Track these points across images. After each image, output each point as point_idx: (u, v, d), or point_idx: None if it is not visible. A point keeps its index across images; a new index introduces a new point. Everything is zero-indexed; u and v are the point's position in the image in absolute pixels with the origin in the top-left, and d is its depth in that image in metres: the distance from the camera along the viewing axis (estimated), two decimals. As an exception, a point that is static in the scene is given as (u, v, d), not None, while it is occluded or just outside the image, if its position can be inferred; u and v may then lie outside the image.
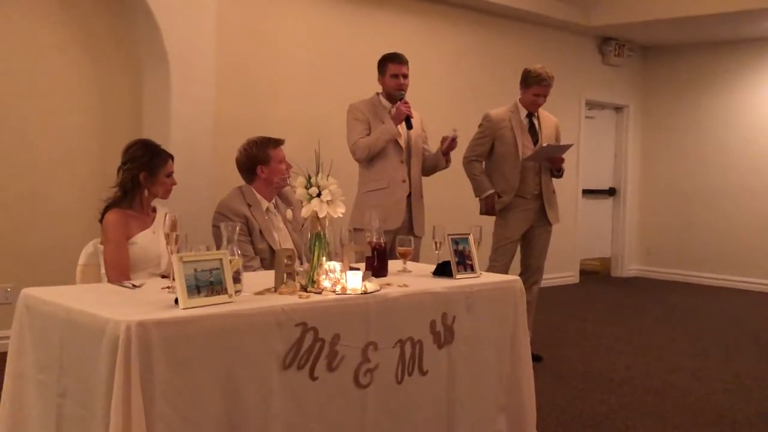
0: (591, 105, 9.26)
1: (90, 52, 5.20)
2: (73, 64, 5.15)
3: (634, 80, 9.65)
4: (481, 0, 7.30)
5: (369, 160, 4.72)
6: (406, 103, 4.67)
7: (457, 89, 7.46)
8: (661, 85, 9.61)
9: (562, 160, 5.23)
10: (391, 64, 4.76)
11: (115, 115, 5.31)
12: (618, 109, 9.71)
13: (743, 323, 7.00)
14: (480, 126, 5.30)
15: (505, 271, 5.02)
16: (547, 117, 5.35)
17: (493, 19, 7.79)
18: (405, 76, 4.75)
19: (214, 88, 5.36)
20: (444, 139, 4.76)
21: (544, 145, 5.16)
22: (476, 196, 5.31)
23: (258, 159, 3.92)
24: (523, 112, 5.25)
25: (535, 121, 5.27)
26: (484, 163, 5.32)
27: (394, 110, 4.70)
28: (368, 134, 4.68)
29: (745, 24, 8.11)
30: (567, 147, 5.23)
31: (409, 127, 4.71)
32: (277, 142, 3.98)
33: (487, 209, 5.27)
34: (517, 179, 5.17)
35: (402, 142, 4.75)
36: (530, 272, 5.28)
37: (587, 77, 9.01)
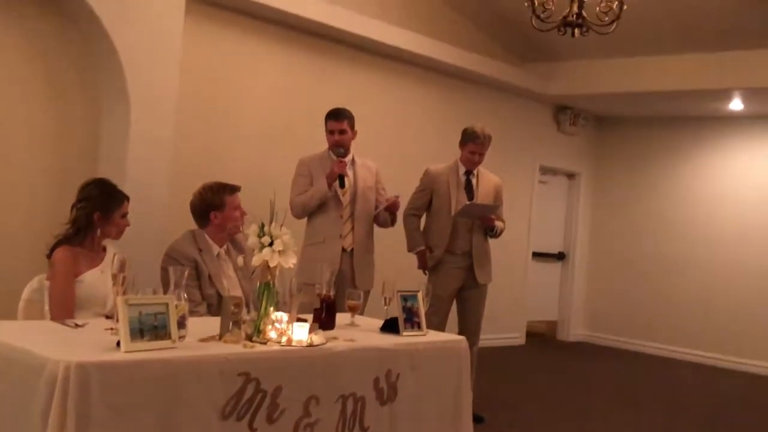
0: (544, 170, 9.45)
1: (50, 88, 5.15)
2: (31, 98, 5.09)
3: (587, 149, 9.89)
4: (443, 62, 7.46)
5: (309, 215, 4.79)
6: (341, 162, 4.72)
7: (415, 146, 7.55)
8: (613, 155, 9.86)
9: (492, 220, 5.28)
10: (328, 120, 4.84)
11: (70, 152, 5.24)
12: (570, 176, 9.93)
13: (684, 394, 7.11)
14: (420, 180, 5.41)
15: (441, 330, 5.02)
16: (487, 177, 5.42)
17: (454, 81, 7.95)
18: (342, 132, 4.78)
19: (174, 131, 5.35)
20: (387, 200, 4.84)
21: (467, 203, 5.22)
22: (408, 251, 5.38)
23: (212, 204, 3.92)
24: (462, 170, 5.34)
25: (473, 180, 5.35)
26: (424, 217, 5.41)
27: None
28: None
29: (694, 102, 8.42)
30: (493, 207, 5.29)
31: (342, 185, 4.75)
32: (233, 189, 3.99)
33: (419, 265, 5.36)
34: (448, 235, 5.24)
35: (345, 198, 4.78)
36: (466, 333, 5.23)
37: (542, 143, 9.21)
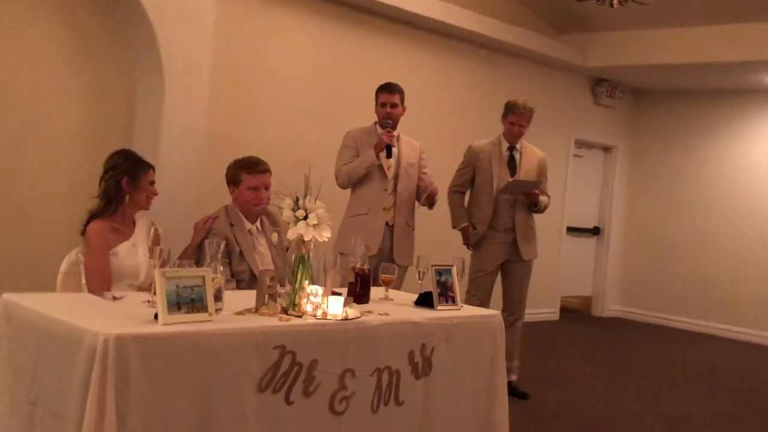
0: (580, 144, 9.33)
1: (84, 60, 5.19)
2: (65, 69, 5.13)
3: (624, 122, 9.74)
4: (479, 34, 7.37)
5: (353, 186, 4.78)
6: (388, 132, 4.71)
7: (450, 120, 7.50)
8: (650, 129, 9.71)
9: (536, 195, 5.24)
10: (380, 93, 4.84)
11: (105, 124, 5.28)
12: (606, 149, 9.79)
13: (721, 370, 7.03)
14: (463, 156, 5.40)
15: (484, 305, 5.01)
16: (531, 151, 5.37)
17: (490, 54, 7.86)
18: (393, 105, 4.78)
19: (208, 101, 5.36)
20: (426, 188, 4.84)
21: (510, 180, 5.18)
22: (452, 227, 5.39)
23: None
24: (505, 145, 5.30)
25: (516, 155, 5.30)
26: (468, 194, 5.38)
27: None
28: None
29: (735, 75, 8.24)
30: (536, 183, 5.25)
31: (389, 156, 4.74)
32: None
33: (464, 241, 5.36)
34: (490, 211, 5.22)
35: (390, 171, 4.78)
36: (510, 309, 5.29)
37: (578, 116, 9.09)
